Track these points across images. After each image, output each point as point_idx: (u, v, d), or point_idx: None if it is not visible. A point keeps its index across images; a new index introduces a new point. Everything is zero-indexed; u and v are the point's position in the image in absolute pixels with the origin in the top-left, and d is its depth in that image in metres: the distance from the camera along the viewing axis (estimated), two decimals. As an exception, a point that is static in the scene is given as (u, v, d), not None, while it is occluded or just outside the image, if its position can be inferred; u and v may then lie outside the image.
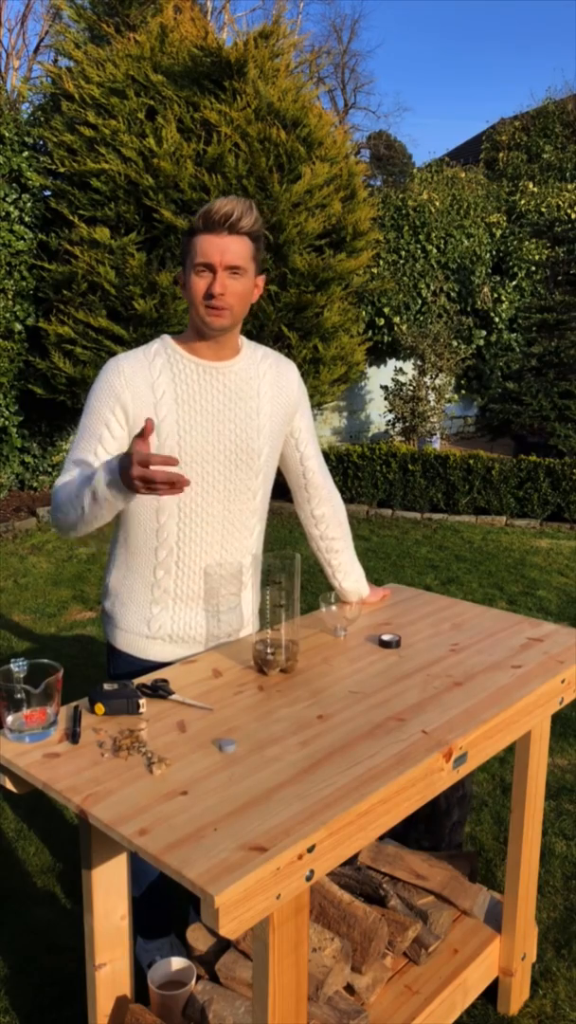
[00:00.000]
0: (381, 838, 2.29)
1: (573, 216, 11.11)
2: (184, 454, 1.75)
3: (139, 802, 1.27)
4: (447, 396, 9.15)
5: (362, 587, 2.11)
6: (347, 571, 2.07)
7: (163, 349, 1.78)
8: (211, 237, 1.66)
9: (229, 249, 1.66)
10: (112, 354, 6.42)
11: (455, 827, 2.34)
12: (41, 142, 6.95)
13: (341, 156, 6.94)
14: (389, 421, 9.35)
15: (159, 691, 1.60)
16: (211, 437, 1.77)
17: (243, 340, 1.86)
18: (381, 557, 5.89)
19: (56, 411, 7.52)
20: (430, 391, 8.96)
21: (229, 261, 1.67)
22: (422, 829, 2.31)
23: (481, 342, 11.06)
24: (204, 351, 1.77)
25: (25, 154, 6.76)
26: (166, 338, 1.80)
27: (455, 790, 2.32)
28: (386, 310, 9.70)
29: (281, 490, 7.70)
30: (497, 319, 11.09)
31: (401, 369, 9.32)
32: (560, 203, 11.47)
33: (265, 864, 1.13)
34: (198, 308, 1.71)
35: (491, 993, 2.04)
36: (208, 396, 1.77)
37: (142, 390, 1.73)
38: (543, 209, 11.55)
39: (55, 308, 6.67)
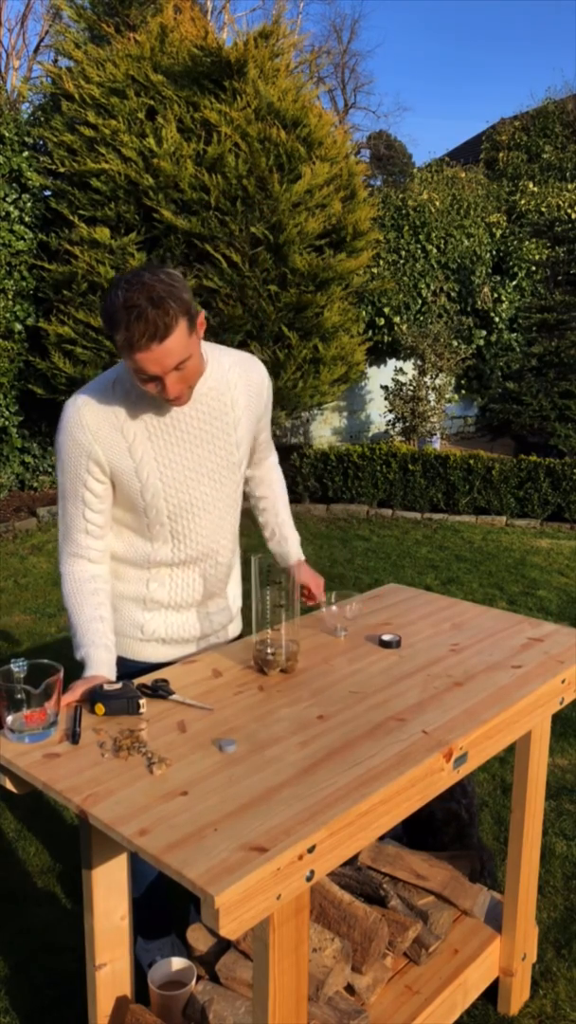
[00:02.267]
0: (396, 843, 2.29)
1: (573, 216, 11.11)
2: (168, 488, 1.71)
3: (139, 802, 1.27)
4: (447, 396, 9.14)
5: (288, 552, 2.09)
6: (273, 531, 2.09)
7: (123, 382, 1.67)
8: (143, 355, 1.52)
9: (167, 356, 1.53)
10: (113, 355, 6.42)
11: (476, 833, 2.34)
12: (41, 142, 6.95)
13: (341, 156, 6.93)
14: (389, 421, 9.35)
15: (159, 691, 1.60)
16: (193, 464, 1.73)
17: (206, 349, 1.75)
18: (381, 557, 5.89)
19: (56, 411, 7.52)
20: (430, 391, 8.96)
21: (172, 364, 1.55)
22: (458, 847, 2.30)
23: (481, 342, 11.05)
24: None
25: (25, 154, 6.76)
26: (125, 367, 1.67)
27: (471, 797, 2.32)
28: (386, 310, 9.70)
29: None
30: (497, 319, 11.08)
31: (401, 369, 9.31)
32: (560, 203, 11.47)
33: (265, 864, 1.13)
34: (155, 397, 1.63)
35: (491, 993, 2.04)
36: (181, 425, 1.71)
37: (111, 438, 1.66)
38: (543, 209, 11.55)
39: (55, 308, 6.67)
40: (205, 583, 1.85)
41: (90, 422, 1.65)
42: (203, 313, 1.63)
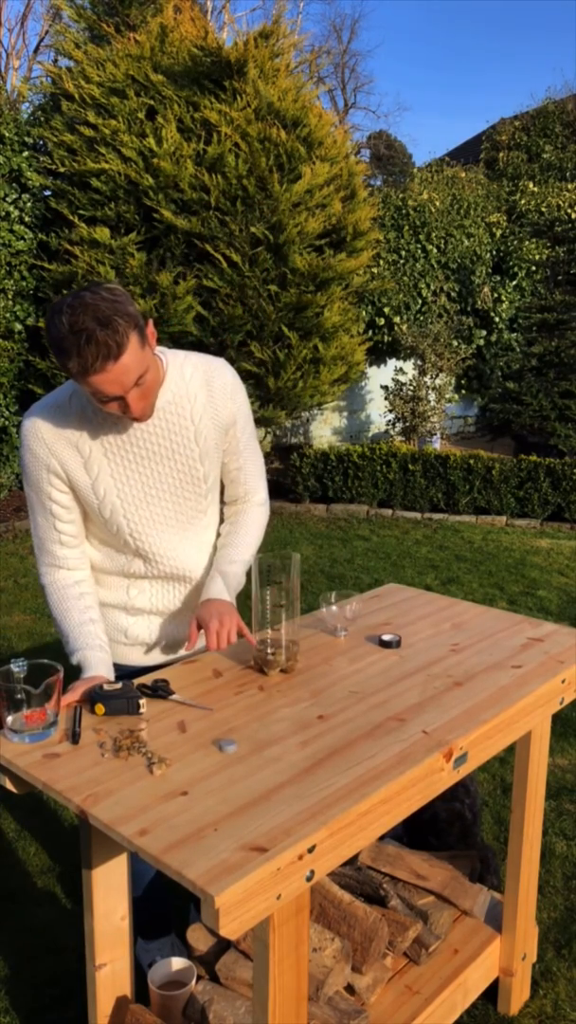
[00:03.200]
0: (398, 844, 2.29)
1: (573, 216, 11.11)
2: (127, 505, 1.69)
3: (139, 802, 1.27)
4: (447, 396, 9.15)
5: (212, 592, 1.76)
6: (214, 570, 1.81)
7: (78, 397, 1.65)
8: (99, 377, 1.48)
9: (124, 373, 1.49)
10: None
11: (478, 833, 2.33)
12: (41, 142, 6.95)
13: (341, 156, 6.93)
14: (389, 421, 9.35)
15: (159, 691, 1.60)
16: (152, 481, 1.70)
17: (167, 358, 1.70)
18: (381, 557, 5.89)
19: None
20: (430, 391, 8.96)
21: (131, 382, 1.51)
22: (462, 846, 2.30)
23: (481, 342, 11.05)
24: None
25: (25, 154, 6.76)
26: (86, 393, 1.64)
27: (474, 797, 2.31)
28: (386, 310, 9.70)
29: (281, 490, 7.69)
30: (497, 319, 11.08)
31: (401, 369, 9.31)
32: (560, 203, 11.46)
33: (265, 864, 1.13)
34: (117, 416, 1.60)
35: (491, 993, 2.04)
36: (139, 442, 1.67)
37: (67, 453, 1.64)
38: (543, 209, 11.55)
39: (55, 308, 6.67)
40: (186, 596, 1.84)
41: (46, 436, 1.64)
42: (151, 322, 1.60)
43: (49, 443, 1.64)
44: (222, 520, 1.93)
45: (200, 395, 1.71)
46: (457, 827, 2.25)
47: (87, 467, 1.66)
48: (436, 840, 2.26)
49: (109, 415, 1.65)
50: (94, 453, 1.66)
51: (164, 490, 1.72)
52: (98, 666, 1.66)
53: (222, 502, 1.93)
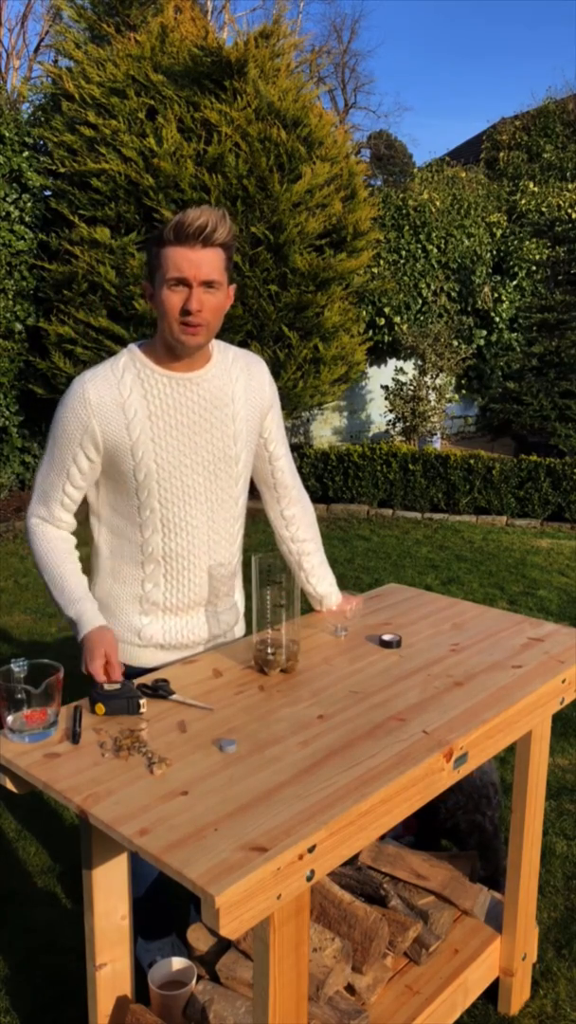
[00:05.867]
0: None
1: (573, 216, 11.10)
2: (162, 471, 1.72)
3: (140, 802, 1.27)
4: (448, 396, 9.14)
5: (336, 591, 2.07)
6: (321, 575, 2.04)
7: (132, 363, 1.71)
8: (184, 250, 1.59)
9: (204, 262, 1.59)
10: (113, 354, 6.42)
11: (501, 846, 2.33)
12: (41, 142, 6.95)
13: (341, 156, 6.93)
14: (389, 421, 9.35)
15: (159, 691, 1.60)
16: (188, 450, 1.74)
17: (213, 342, 1.80)
18: (382, 557, 5.89)
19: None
20: (431, 391, 8.96)
21: (205, 275, 1.60)
22: (482, 859, 2.30)
23: (481, 342, 11.05)
24: (176, 363, 1.71)
25: (25, 154, 6.76)
26: (134, 349, 1.73)
27: (495, 809, 2.31)
28: (386, 310, 9.70)
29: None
30: (497, 319, 11.08)
31: (402, 369, 9.31)
32: (560, 203, 11.46)
33: (266, 864, 1.13)
34: (172, 325, 1.64)
35: (492, 993, 2.04)
36: (182, 409, 1.73)
37: (112, 413, 1.68)
38: (543, 209, 11.54)
39: (55, 308, 6.67)
40: (201, 584, 1.82)
41: (92, 397, 1.68)
42: (234, 286, 1.70)
43: (95, 404, 1.68)
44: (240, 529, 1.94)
45: (241, 378, 1.80)
46: (476, 838, 2.25)
47: (129, 428, 1.69)
48: (457, 847, 2.26)
49: (157, 382, 1.71)
50: (139, 415, 1.70)
51: (198, 463, 1.75)
52: (97, 618, 1.70)
53: (248, 498, 1.96)
